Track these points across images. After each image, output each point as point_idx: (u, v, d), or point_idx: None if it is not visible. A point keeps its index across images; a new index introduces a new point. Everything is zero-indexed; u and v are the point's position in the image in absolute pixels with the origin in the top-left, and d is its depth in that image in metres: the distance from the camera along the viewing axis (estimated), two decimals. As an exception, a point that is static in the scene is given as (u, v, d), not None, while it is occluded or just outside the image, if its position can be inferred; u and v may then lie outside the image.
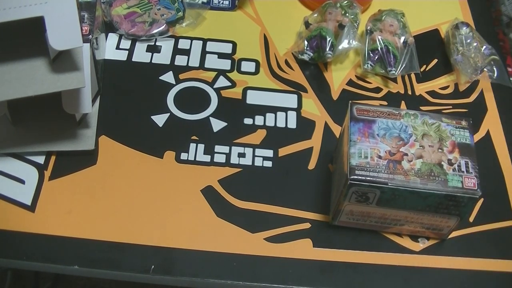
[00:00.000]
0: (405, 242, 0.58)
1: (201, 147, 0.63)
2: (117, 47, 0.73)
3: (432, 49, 0.77)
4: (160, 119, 0.66)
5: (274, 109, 0.68)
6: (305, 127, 0.67)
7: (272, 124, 0.66)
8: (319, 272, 0.55)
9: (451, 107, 0.70)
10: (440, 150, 0.53)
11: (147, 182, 0.60)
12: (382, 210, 0.54)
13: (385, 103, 0.70)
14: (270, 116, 0.67)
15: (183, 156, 0.63)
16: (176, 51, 0.73)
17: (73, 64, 0.55)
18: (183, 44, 0.75)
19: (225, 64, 0.72)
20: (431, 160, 0.52)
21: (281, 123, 0.67)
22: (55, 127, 0.62)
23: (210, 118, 0.66)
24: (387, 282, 0.55)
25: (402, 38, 0.73)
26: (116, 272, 0.54)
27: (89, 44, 0.60)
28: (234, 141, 0.64)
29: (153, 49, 0.73)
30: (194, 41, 0.75)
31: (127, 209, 0.58)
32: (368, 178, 0.51)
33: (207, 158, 0.63)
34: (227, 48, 0.75)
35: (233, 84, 0.70)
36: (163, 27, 0.74)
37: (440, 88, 0.73)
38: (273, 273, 0.55)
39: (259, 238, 0.57)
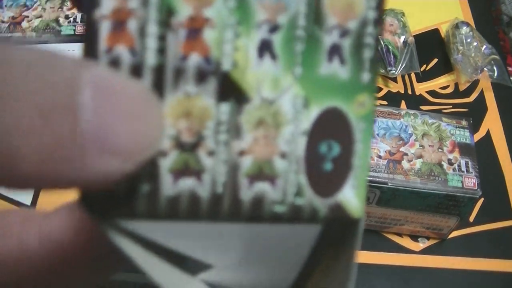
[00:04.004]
0: (405, 242, 0.58)
1: (201, 147, 0.63)
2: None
3: (432, 48, 0.77)
4: (159, 119, 0.65)
5: (274, 109, 0.68)
6: (305, 126, 0.66)
7: (272, 124, 0.66)
8: (319, 272, 0.55)
9: (451, 106, 0.70)
10: (440, 150, 0.53)
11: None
12: (382, 210, 0.54)
13: (385, 102, 0.70)
14: (270, 116, 0.67)
15: (183, 156, 0.62)
16: (176, 50, 0.73)
17: None
18: (183, 43, 0.74)
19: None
20: (431, 160, 0.52)
21: (281, 123, 0.66)
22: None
23: (210, 117, 0.66)
24: (387, 282, 0.55)
25: (402, 38, 0.72)
26: (116, 272, 0.54)
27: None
28: (234, 141, 0.64)
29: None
30: (194, 40, 0.75)
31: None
32: (368, 178, 0.50)
33: (207, 158, 0.62)
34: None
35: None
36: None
37: (440, 88, 0.73)
38: (273, 273, 0.54)
39: (259, 238, 0.57)
